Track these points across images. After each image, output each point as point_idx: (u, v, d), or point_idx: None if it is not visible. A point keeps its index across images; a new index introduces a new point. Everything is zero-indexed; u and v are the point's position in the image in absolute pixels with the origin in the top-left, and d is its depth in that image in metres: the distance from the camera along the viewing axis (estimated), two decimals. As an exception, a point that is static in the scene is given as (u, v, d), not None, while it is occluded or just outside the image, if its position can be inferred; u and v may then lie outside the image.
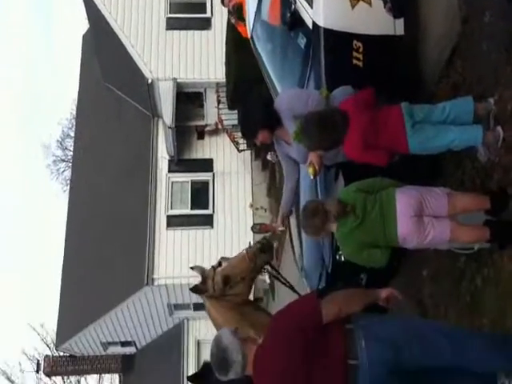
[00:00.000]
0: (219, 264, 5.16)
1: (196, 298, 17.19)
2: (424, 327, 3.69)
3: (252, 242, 15.84)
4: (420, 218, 4.07)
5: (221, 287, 5.06)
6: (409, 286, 6.01)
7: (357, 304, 3.53)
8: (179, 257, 17.12)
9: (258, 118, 5.17)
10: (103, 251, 18.38)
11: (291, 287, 5.90)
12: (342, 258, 5.44)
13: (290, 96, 5.27)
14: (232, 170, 17.94)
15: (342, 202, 4.21)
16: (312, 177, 4.94)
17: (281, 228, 5.72)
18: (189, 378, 4.98)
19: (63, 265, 20.01)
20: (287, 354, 3.39)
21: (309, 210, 4.26)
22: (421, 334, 3.52)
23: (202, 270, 5.30)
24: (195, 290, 5.23)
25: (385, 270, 5.39)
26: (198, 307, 18.02)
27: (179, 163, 18.07)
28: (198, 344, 18.71)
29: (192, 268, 5.52)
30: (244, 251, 5.23)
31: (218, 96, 17.44)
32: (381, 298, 3.65)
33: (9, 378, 30.05)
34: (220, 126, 17.82)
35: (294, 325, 3.42)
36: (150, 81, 16.91)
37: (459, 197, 4.21)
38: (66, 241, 20.33)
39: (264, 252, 5.24)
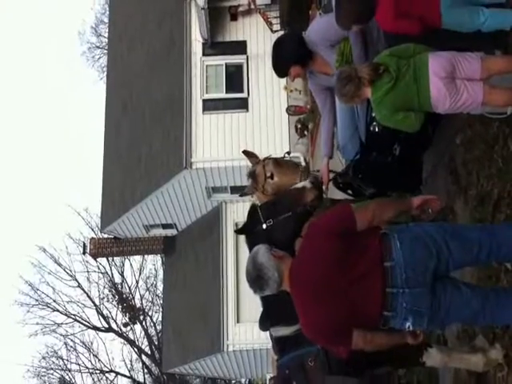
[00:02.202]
0: (271, 176, 5.11)
1: (233, 182, 17.55)
2: (459, 226, 3.73)
3: (288, 127, 15.53)
4: (453, 80, 4.11)
5: (269, 195, 5.11)
6: (442, 156, 6.11)
7: (389, 210, 3.56)
8: (216, 141, 17.29)
9: (288, 54, 5.17)
10: (142, 138, 18.66)
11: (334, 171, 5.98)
12: (377, 129, 5.52)
13: (321, 25, 5.22)
14: (266, 51, 17.69)
15: (375, 64, 4.26)
16: None
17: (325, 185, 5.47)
18: (236, 231, 5.19)
19: (104, 152, 20.39)
20: (323, 261, 3.44)
21: (342, 78, 4.30)
22: (457, 231, 3.58)
23: (253, 160, 5.34)
24: (245, 195, 5.36)
25: (418, 140, 5.51)
26: (235, 190, 18.37)
27: (213, 46, 17.87)
28: (236, 226, 19.17)
29: (244, 153, 5.57)
30: (298, 177, 5.13)
31: (250, -27, 17.04)
32: (413, 206, 3.64)
33: (57, 261, 31.43)
34: (253, 6, 17.49)
35: (329, 231, 3.47)
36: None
37: (493, 59, 4.24)
38: (105, 128, 20.64)
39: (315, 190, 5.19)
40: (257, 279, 3.54)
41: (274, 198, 4.98)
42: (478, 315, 3.56)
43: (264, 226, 4.74)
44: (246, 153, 5.55)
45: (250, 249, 4.90)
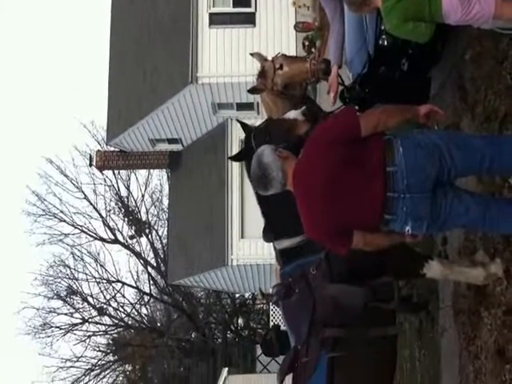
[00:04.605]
0: (280, 67, 5.11)
1: (239, 98, 17.45)
2: (463, 135, 3.73)
3: (295, 44, 15.28)
4: (465, -10, 4.06)
5: (279, 89, 5.11)
6: (451, 72, 6.06)
7: (395, 117, 3.56)
8: (222, 56, 17.13)
9: None
10: (148, 50, 18.48)
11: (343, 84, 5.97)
12: (385, 43, 5.46)
13: None
14: (276, -37, 17.38)
15: None
16: None
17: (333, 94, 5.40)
18: (230, 158, 5.23)
19: (110, 65, 20.20)
20: (327, 166, 3.50)
21: None
22: (461, 140, 3.61)
23: (262, 60, 5.31)
24: (254, 91, 5.27)
25: (427, 56, 5.46)
26: (241, 107, 18.31)
27: (221, -44, 17.52)
28: (241, 143, 19.12)
29: (252, 54, 5.55)
30: (307, 63, 5.17)
31: None
32: (420, 114, 3.63)
33: (63, 173, 31.55)
34: None
35: (334, 136, 3.51)
36: None
37: (507, -28, 4.15)
38: (111, 40, 20.40)
39: (327, 74, 5.26)
40: (261, 179, 3.65)
41: (267, 124, 4.96)
42: (477, 222, 3.65)
43: None
44: (252, 54, 5.51)
45: (248, 171, 4.98)
